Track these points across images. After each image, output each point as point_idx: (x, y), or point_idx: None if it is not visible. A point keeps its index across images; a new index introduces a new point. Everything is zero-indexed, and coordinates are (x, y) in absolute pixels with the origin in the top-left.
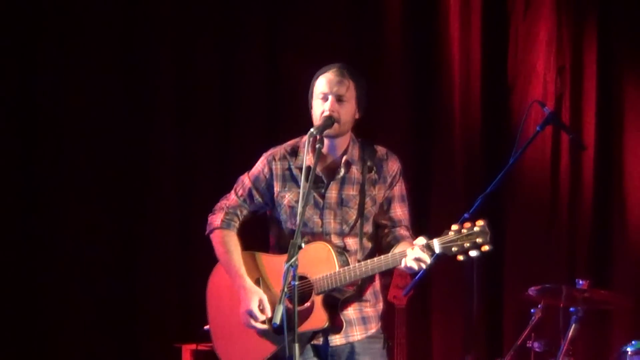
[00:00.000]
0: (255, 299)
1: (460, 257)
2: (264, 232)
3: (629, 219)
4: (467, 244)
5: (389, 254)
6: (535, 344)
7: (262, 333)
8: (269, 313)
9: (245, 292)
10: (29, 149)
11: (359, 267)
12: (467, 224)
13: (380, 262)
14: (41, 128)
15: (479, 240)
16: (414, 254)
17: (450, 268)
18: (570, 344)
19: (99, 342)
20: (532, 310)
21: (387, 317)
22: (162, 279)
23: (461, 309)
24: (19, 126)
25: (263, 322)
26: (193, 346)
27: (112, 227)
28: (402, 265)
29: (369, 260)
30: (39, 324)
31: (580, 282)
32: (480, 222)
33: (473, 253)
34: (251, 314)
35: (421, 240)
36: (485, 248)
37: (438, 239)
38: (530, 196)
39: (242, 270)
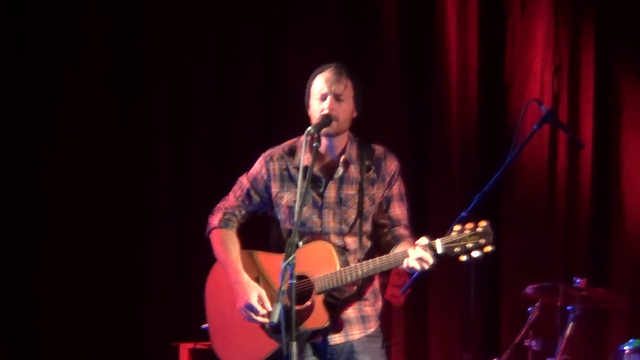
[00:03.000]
0: (254, 293)
1: (463, 258)
2: (264, 232)
3: (627, 218)
4: (469, 245)
5: (391, 254)
6: (533, 343)
7: (261, 332)
8: (269, 307)
9: (243, 287)
10: (23, 148)
11: (360, 267)
12: (470, 225)
13: (382, 261)
14: (35, 127)
15: (481, 241)
16: (416, 254)
17: (448, 267)
18: (567, 343)
19: (97, 340)
20: (529, 309)
21: (385, 316)
22: (159, 277)
23: (458, 308)
24: (12, 126)
25: (264, 316)
26: (191, 345)
27: (110, 226)
28: (405, 265)
29: (370, 260)
30: (35, 322)
31: (578, 280)
32: (483, 223)
33: (475, 254)
34: (252, 308)
35: (423, 240)
36: (488, 249)
37: (441, 239)
38: (527, 195)
39: (239, 266)
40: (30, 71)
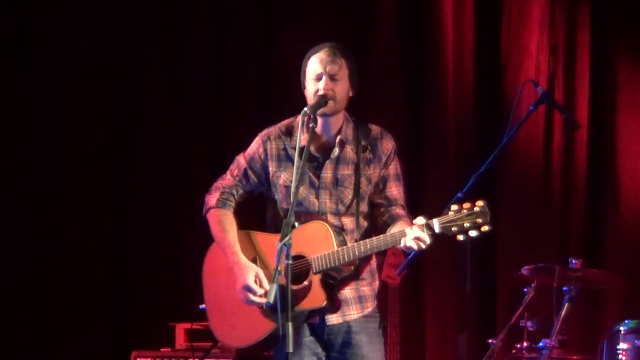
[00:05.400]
0: (251, 274)
1: (460, 237)
2: (260, 212)
3: (622, 199)
4: (466, 224)
5: (388, 234)
6: (528, 323)
7: (258, 312)
8: (267, 287)
9: (240, 268)
10: (22, 135)
11: (357, 247)
12: (467, 204)
13: (379, 241)
14: (33, 114)
15: (479, 220)
16: (413, 233)
17: (443, 248)
18: (563, 323)
19: (94, 321)
20: (525, 290)
21: (381, 296)
22: (156, 258)
23: (454, 288)
24: (10, 116)
25: (262, 296)
26: (187, 325)
27: (107, 207)
28: (402, 244)
29: (367, 240)
30: (33, 303)
31: (574, 261)
32: (480, 203)
33: (473, 233)
34: (249, 289)
35: (420, 220)
36: (485, 228)
37: (438, 218)
38: (523, 175)
39: (237, 247)
40: (26, 51)
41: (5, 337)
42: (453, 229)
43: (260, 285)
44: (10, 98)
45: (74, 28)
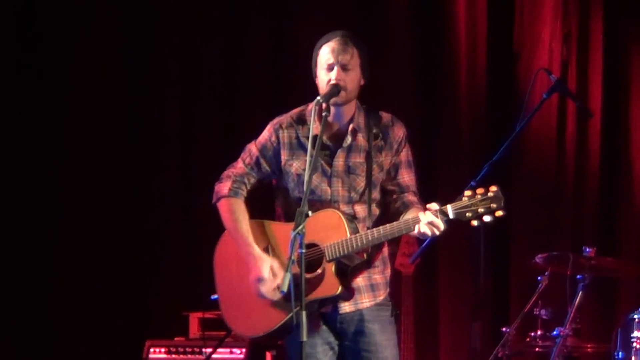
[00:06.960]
0: (266, 266)
1: (474, 223)
2: (270, 201)
3: (635, 186)
4: (480, 210)
5: (402, 220)
6: (542, 312)
7: (271, 301)
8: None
9: (255, 260)
10: (32, 131)
11: (370, 234)
12: (480, 190)
13: (392, 228)
14: (44, 108)
15: (493, 205)
16: (427, 218)
17: (457, 237)
18: (577, 312)
19: (108, 311)
20: (538, 278)
21: (394, 285)
22: (169, 248)
23: (468, 277)
24: (19, 110)
25: (275, 290)
26: (200, 314)
27: (120, 197)
28: (416, 231)
29: (381, 227)
30: (48, 293)
31: (587, 249)
32: (493, 188)
33: (487, 218)
34: (264, 282)
35: (434, 206)
36: (499, 213)
37: (452, 204)
38: (536, 164)
39: (250, 238)
40: (36, 62)
41: (20, 326)
42: (467, 214)
43: (275, 277)
44: (20, 99)
45: (87, 19)
